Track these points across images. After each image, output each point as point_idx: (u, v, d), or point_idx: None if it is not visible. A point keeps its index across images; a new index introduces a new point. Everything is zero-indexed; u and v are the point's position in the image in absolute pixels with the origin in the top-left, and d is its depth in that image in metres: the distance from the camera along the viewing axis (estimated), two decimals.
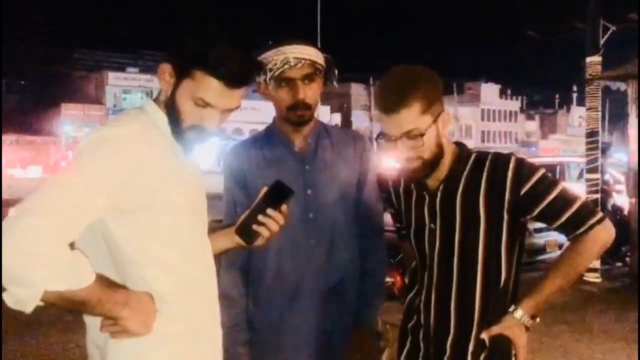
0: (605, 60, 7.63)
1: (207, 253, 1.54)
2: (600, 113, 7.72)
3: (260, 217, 1.56)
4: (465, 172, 1.67)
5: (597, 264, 7.23)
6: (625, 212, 8.44)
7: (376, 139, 1.66)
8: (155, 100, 1.48)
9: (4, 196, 9.86)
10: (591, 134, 7.70)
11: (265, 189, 1.58)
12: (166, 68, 1.42)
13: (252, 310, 1.95)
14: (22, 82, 52.59)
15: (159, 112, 1.46)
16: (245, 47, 1.41)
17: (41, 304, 1.22)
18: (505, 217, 1.62)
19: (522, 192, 1.59)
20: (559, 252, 7.45)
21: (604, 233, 1.60)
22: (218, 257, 1.64)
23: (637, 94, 7.53)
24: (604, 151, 8.20)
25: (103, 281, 1.31)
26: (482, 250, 1.63)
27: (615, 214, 8.43)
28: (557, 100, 79.19)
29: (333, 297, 1.92)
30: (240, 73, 1.39)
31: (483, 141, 66.18)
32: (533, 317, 1.63)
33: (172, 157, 1.44)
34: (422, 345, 1.74)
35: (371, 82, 45.85)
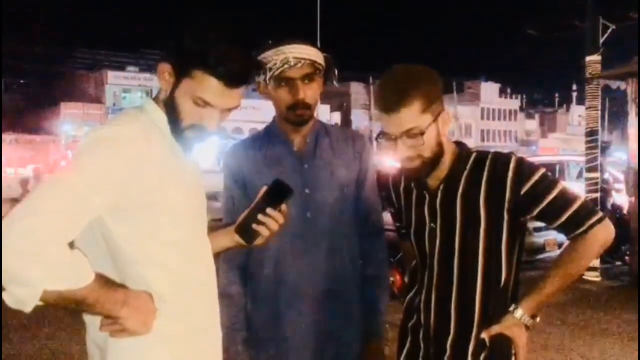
0: (604, 59, 7.64)
1: (207, 252, 1.54)
2: (599, 112, 7.74)
3: (260, 216, 1.56)
4: (466, 172, 1.67)
5: (596, 262, 7.24)
6: (625, 211, 8.45)
7: (376, 138, 1.67)
8: (155, 100, 1.48)
9: (5, 195, 9.85)
10: (591, 133, 7.71)
11: (264, 188, 1.58)
12: (166, 67, 1.42)
13: (251, 310, 1.96)
14: (22, 81, 52.57)
15: (159, 111, 1.46)
16: (245, 46, 1.41)
17: (41, 303, 1.22)
18: (506, 216, 1.62)
19: (523, 191, 1.59)
20: (558, 251, 7.49)
21: (604, 232, 1.60)
22: (218, 256, 1.64)
23: (636, 93, 7.54)
24: (603, 150, 8.22)
25: (102, 280, 1.31)
26: (482, 249, 1.64)
27: (615, 213, 8.43)
28: (556, 99, 79.22)
29: (332, 296, 1.92)
30: (240, 72, 1.39)
31: (483, 140, 66.14)
32: (533, 317, 1.63)
33: (172, 156, 1.44)
34: (422, 345, 1.74)
35: (371, 81, 45.82)
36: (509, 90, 73.23)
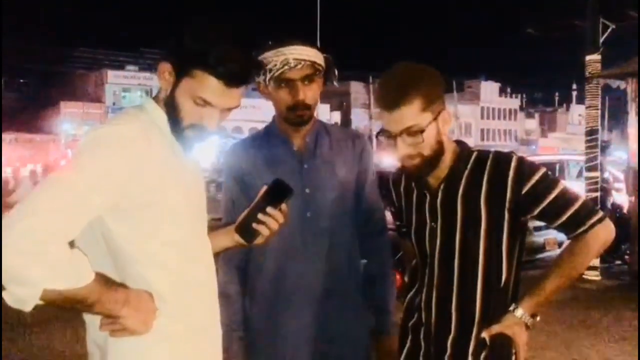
0: (604, 58, 7.64)
1: (207, 252, 1.54)
2: (599, 111, 7.73)
3: (260, 216, 1.56)
4: (467, 171, 1.67)
5: (596, 262, 7.24)
6: (625, 211, 8.46)
7: (376, 136, 1.67)
8: (155, 99, 1.48)
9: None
10: (591, 132, 7.71)
11: (265, 188, 1.58)
12: (166, 67, 1.41)
13: (250, 310, 1.96)
14: (22, 80, 52.55)
15: (159, 110, 1.46)
16: (245, 46, 1.41)
17: (41, 302, 1.22)
18: (506, 216, 1.62)
19: (523, 191, 1.59)
20: (558, 251, 7.49)
21: (605, 232, 1.60)
22: (218, 255, 1.64)
23: (636, 92, 7.54)
24: (603, 149, 8.22)
25: (102, 280, 1.30)
26: (483, 249, 1.64)
27: (615, 212, 8.43)
28: (556, 99, 79.21)
29: (332, 296, 1.92)
30: (240, 72, 1.39)
31: (482, 139, 66.14)
32: (533, 316, 1.63)
33: (172, 155, 1.43)
34: (422, 344, 1.74)
35: (371, 80, 45.81)
36: (509, 90, 73.22)
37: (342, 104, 54.09)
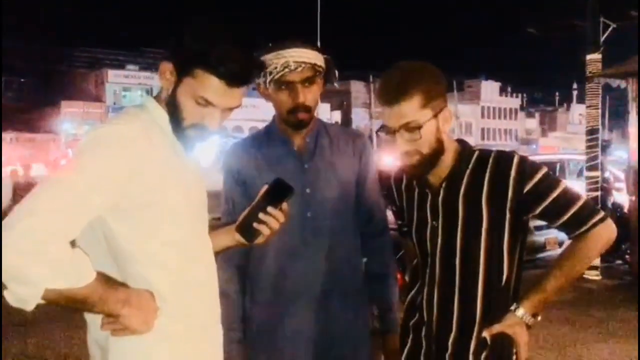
0: (605, 57, 7.63)
1: (208, 251, 1.54)
2: (600, 111, 7.73)
3: (261, 215, 1.56)
4: (468, 170, 1.67)
5: (597, 261, 7.23)
6: (626, 210, 8.45)
7: (377, 132, 1.67)
8: (156, 98, 1.48)
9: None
10: (591, 132, 7.70)
11: (265, 187, 1.58)
12: (167, 66, 1.41)
13: (250, 309, 1.95)
14: (22, 80, 52.53)
15: (160, 109, 1.45)
16: (247, 46, 1.41)
17: (42, 302, 1.22)
18: (508, 215, 1.62)
19: (525, 190, 1.59)
20: (559, 250, 7.48)
21: (606, 232, 1.60)
22: (218, 255, 1.64)
23: (637, 92, 7.53)
24: (604, 149, 8.21)
25: (104, 279, 1.31)
26: (484, 248, 1.63)
27: (616, 212, 8.43)
28: (557, 98, 79.21)
29: (332, 296, 1.92)
30: (241, 72, 1.39)
31: (483, 139, 66.15)
32: (534, 316, 1.63)
33: (173, 155, 1.43)
34: (424, 343, 1.74)
35: (371, 79, 45.78)
36: (509, 89, 73.25)
37: (342, 103, 54.08)
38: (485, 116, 69.75)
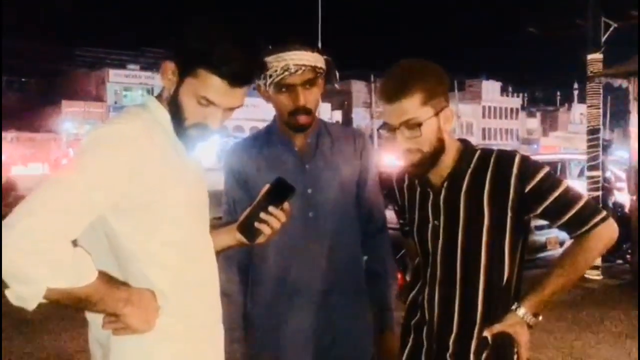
0: (606, 57, 7.62)
1: (209, 251, 1.54)
2: (601, 110, 7.71)
3: (262, 215, 1.56)
4: (470, 169, 1.67)
5: (598, 261, 7.22)
6: (627, 210, 8.43)
7: (378, 129, 1.67)
8: (158, 98, 1.48)
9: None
10: (592, 132, 7.69)
11: (267, 187, 1.58)
12: (169, 66, 1.41)
13: (252, 309, 1.96)
14: (23, 79, 52.55)
15: (162, 109, 1.46)
16: (249, 45, 1.41)
17: (44, 301, 1.22)
18: (509, 214, 1.62)
19: (527, 189, 1.59)
20: (560, 250, 7.46)
21: (608, 231, 1.60)
22: (219, 254, 1.64)
23: (638, 91, 7.52)
24: (605, 148, 8.19)
25: (105, 278, 1.31)
26: (485, 247, 1.63)
27: (617, 212, 8.41)
28: (558, 98, 79.11)
29: (334, 295, 1.92)
30: (244, 72, 1.39)
31: (484, 139, 66.12)
32: (535, 315, 1.63)
33: (174, 154, 1.43)
34: (425, 342, 1.74)
35: (372, 79, 45.75)
36: (510, 89, 73.21)
37: (343, 103, 54.07)
38: (486, 116, 69.70)
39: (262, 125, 2.11)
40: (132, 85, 49.31)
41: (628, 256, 8.04)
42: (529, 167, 1.61)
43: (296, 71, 1.81)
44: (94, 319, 1.41)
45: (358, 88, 56.08)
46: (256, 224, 1.57)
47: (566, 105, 77.47)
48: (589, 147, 7.74)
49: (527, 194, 1.59)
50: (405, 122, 1.58)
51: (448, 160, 1.67)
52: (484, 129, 69.12)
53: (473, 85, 69.61)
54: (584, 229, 1.59)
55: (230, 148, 2.06)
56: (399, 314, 1.89)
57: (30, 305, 1.22)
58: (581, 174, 11.54)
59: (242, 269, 1.96)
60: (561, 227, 1.63)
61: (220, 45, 1.36)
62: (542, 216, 1.63)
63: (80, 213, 1.27)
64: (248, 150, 1.98)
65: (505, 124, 71.77)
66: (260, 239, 1.59)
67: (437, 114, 1.60)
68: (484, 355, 1.65)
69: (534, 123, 76.09)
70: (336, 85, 2.05)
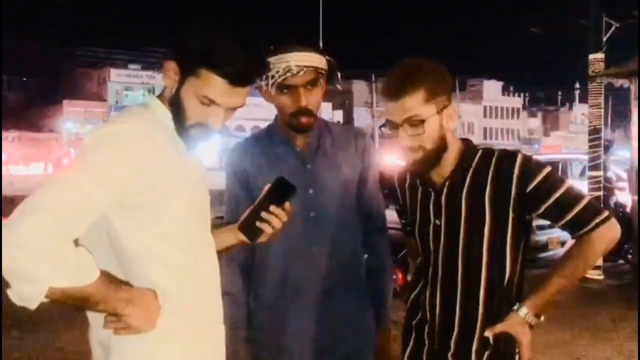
0: (608, 57, 7.62)
1: (211, 250, 1.55)
2: (602, 110, 7.70)
3: (264, 214, 1.56)
4: (472, 169, 1.67)
5: (599, 261, 7.21)
6: (628, 210, 8.43)
7: (380, 127, 1.68)
8: (160, 97, 1.48)
9: (7, 193, 9.87)
10: (594, 131, 7.68)
11: (268, 186, 1.58)
12: (171, 65, 1.42)
13: (254, 309, 1.96)
14: (24, 79, 52.58)
15: (163, 108, 1.46)
16: (251, 45, 1.41)
17: (46, 300, 1.23)
18: (511, 214, 1.62)
19: (528, 189, 1.59)
20: (561, 250, 7.45)
21: (610, 232, 1.60)
22: (221, 254, 1.64)
23: (638, 91, 7.52)
24: (606, 148, 8.18)
25: (107, 278, 1.31)
26: (487, 247, 1.63)
27: (618, 212, 8.40)
28: (559, 98, 79.04)
29: (336, 294, 1.92)
30: (246, 72, 1.39)
31: (485, 138, 66.11)
32: (537, 315, 1.62)
33: (176, 154, 1.43)
34: (426, 342, 1.74)
35: (373, 79, 45.74)
36: (511, 88, 73.15)
37: (344, 102, 54.07)
38: (487, 116, 69.68)
39: (263, 125, 2.11)
40: (134, 85, 49.35)
41: (629, 256, 8.04)
42: (531, 166, 1.61)
43: (298, 72, 1.81)
44: (96, 319, 1.41)
45: (359, 88, 56.06)
46: (257, 224, 1.57)
47: (567, 105, 77.43)
48: (591, 147, 7.73)
49: (529, 193, 1.59)
50: (408, 119, 1.58)
51: (450, 160, 1.67)
52: (485, 129, 69.11)
53: (474, 85, 69.59)
54: (586, 229, 1.59)
55: (231, 148, 2.06)
56: (400, 314, 1.89)
57: (33, 304, 1.22)
58: (582, 174, 11.53)
59: (245, 268, 1.96)
60: (563, 227, 1.63)
61: (222, 45, 1.36)
62: (543, 216, 1.63)
63: (83, 212, 1.27)
64: (249, 150, 1.98)
65: (506, 123, 71.75)
66: (262, 239, 1.60)
67: (440, 112, 1.60)
68: (485, 356, 1.65)
69: (535, 123, 76.04)
70: (338, 86, 2.05)
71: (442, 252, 1.69)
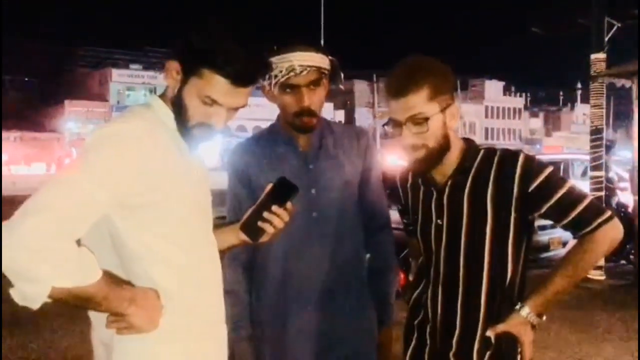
0: (609, 57, 7.61)
1: (212, 250, 1.55)
2: (604, 110, 7.69)
3: (265, 214, 1.56)
4: (474, 168, 1.66)
5: (601, 261, 7.20)
6: (630, 210, 8.41)
7: (383, 125, 1.67)
8: (162, 97, 1.48)
9: (9, 193, 9.88)
10: (595, 132, 7.67)
11: (270, 186, 1.58)
12: (174, 65, 1.42)
13: (257, 307, 1.96)
14: (26, 79, 52.65)
15: (166, 108, 1.46)
16: (253, 46, 1.41)
17: (48, 300, 1.23)
18: (513, 213, 1.62)
19: (530, 189, 1.59)
20: (562, 250, 7.43)
21: (612, 232, 1.59)
22: (223, 253, 1.64)
23: (638, 92, 7.50)
24: (608, 148, 8.17)
25: (109, 278, 1.31)
26: (489, 247, 1.63)
27: (620, 212, 8.39)
28: (561, 98, 79.02)
29: (338, 294, 1.92)
30: (248, 72, 1.39)
31: (487, 138, 66.09)
32: (539, 315, 1.62)
33: (178, 154, 1.43)
34: (428, 341, 1.74)
35: (374, 79, 45.74)
36: (513, 89, 73.13)
37: (346, 102, 54.09)
38: (489, 116, 69.65)
39: (265, 125, 2.11)
40: (135, 85, 49.41)
41: (631, 257, 8.02)
42: (533, 166, 1.60)
43: (301, 72, 1.81)
44: (98, 318, 1.41)
45: (361, 88, 56.07)
46: (259, 223, 1.57)
47: (569, 105, 77.41)
48: (592, 147, 7.72)
49: (531, 193, 1.59)
50: (412, 117, 1.58)
51: (452, 159, 1.67)
52: (486, 129, 69.07)
53: (476, 85, 69.56)
54: (588, 229, 1.59)
55: (233, 148, 2.06)
56: (402, 314, 1.89)
57: (35, 304, 1.22)
58: (584, 174, 11.51)
59: (247, 267, 1.96)
60: (565, 227, 1.63)
61: (225, 45, 1.36)
62: (546, 216, 1.62)
63: (85, 212, 1.27)
64: (251, 150, 1.98)
65: (507, 124, 71.71)
66: (264, 238, 1.60)
67: (443, 110, 1.60)
68: (487, 355, 1.64)
69: (537, 123, 75.98)
70: (340, 86, 2.05)
71: (444, 251, 1.69)
